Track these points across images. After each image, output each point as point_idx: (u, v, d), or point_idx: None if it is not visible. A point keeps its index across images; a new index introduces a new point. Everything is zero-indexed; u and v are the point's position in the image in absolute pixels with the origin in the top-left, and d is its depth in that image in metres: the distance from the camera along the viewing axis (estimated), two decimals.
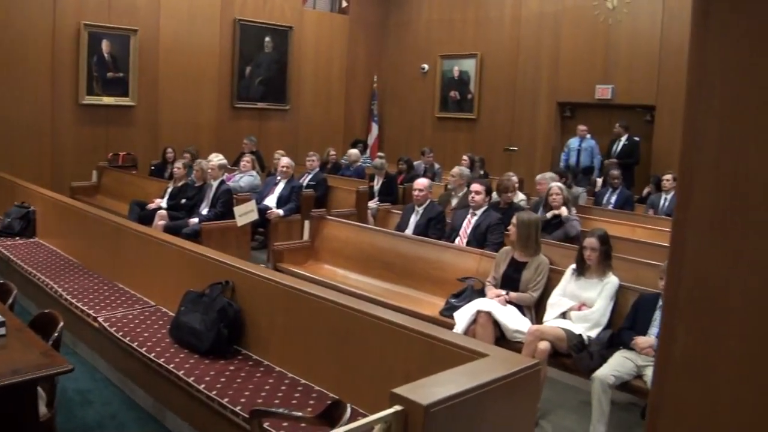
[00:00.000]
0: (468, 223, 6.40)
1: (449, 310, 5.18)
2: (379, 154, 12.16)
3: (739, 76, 1.24)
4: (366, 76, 14.93)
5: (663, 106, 10.63)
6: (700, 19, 1.30)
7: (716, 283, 1.25)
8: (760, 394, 1.22)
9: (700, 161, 1.26)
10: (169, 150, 10.68)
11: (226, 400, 3.61)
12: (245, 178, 9.58)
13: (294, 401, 3.65)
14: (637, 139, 10.63)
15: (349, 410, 2.80)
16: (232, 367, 4.03)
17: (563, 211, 6.69)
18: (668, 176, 8.50)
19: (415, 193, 6.92)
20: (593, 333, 4.63)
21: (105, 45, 10.99)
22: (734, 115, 1.24)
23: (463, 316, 4.87)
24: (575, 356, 4.47)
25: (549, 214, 6.74)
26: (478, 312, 4.83)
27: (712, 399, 1.26)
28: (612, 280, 4.77)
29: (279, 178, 8.94)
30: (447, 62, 13.85)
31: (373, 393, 3.33)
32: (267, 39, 13.07)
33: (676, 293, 1.28)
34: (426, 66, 14.22)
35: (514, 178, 7.79)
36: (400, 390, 2.41)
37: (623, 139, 10.60)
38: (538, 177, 8.04)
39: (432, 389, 2.48)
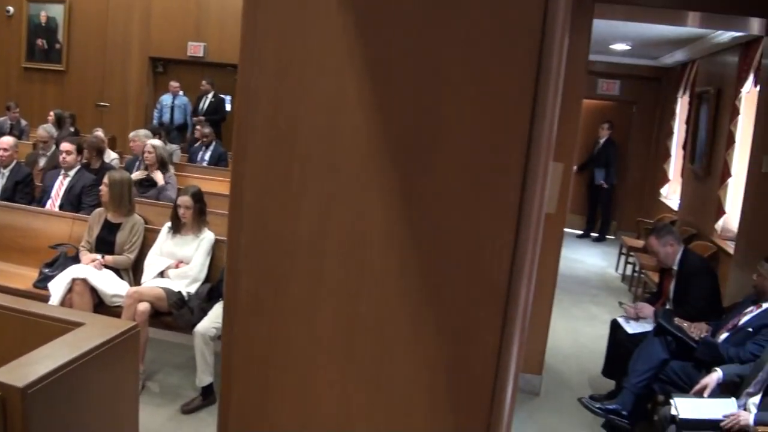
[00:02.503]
0: (60, 185, 6.00)
1: (43, 281, 4.85)
2: None
3: (289, 37, 1.33)
4: None
5: None
6: None
7: (276, 229, 1.35)
8: (320, 326, 1.36)
9: (254, 117, 1.34)
10: None
11: None
12: None
13: None
14: (223, 96, 10.88)
15: None
16: None
17: (159, 178, 6.55)
18: None
19: None
20: (192, 288, 4.72)
21: None
22: (285, 74, 1.34)
23: (58, 286, 4.60)
24: (176, 313, 4.52)
25: (138, 174, 6.55)
26: (74, 280, 4.60)
27: (280, 334, 1.37)
28: (208, 236, 4.88)
29: None
30: (34, 6, 12.40)
31: None
32: None
33: (238, 239, 1.37)
34: (11, 8, 12.56)
35: (101, 134, 7.48)
36: None
37: (210, 96, 10.76)
38: (132, 134, 7.79)
39: (28, 369, 2.36)
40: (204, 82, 10.78)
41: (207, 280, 4.82)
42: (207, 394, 4.42)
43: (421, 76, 1.26)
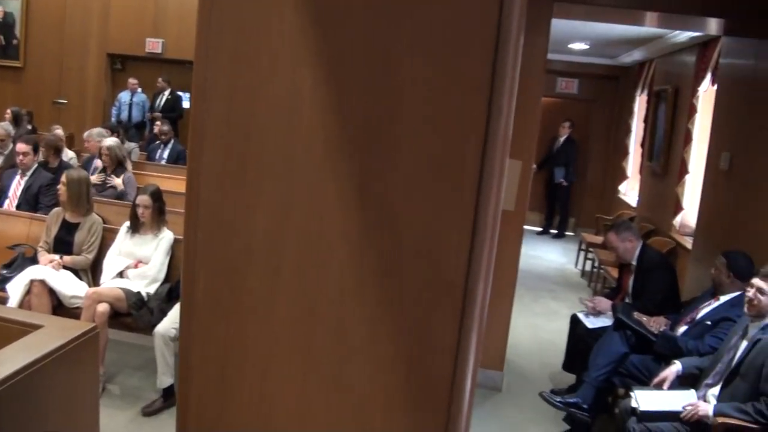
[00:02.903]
0: (18, 185, 5.88)
1: (1, 282, 4.74)
2: None
3: (244, 34, 1.32)
4: None
5: None
6: None
7: (233, 227, 1.34)
8: (278, 325, 1.35)
9: (210, 114, 1.32)
10: None
11: None
12: None
13: None
14: (180, 93, 10.77)
15: None
16: None
17: (118, 183, 6.44)
18: None
19: None
20: (152, 289, 4.66)
21: None
22: (241, 71, 1.32)
23: (16, 288, 4.49)
24: (135, 314, 4.46)
25: (95, 178, 6.42)
26: (32, 281, 4.50)
27: (238, 332, 1.36)
28: (167, 235, 4.82)
29: None
30: None
31: None
32: None
33: (195, 238, 1.35)
34: None
35: (60, 132, 7.34)
36: None
37: (166, 93, 10.66)
38: (86, 134, 7.65)
39: None
40: (160, 80, 10.67)
41: (167, 280, 4.76)
42: (168, 396, 4.37)
43: (376, 75, 1.27)
